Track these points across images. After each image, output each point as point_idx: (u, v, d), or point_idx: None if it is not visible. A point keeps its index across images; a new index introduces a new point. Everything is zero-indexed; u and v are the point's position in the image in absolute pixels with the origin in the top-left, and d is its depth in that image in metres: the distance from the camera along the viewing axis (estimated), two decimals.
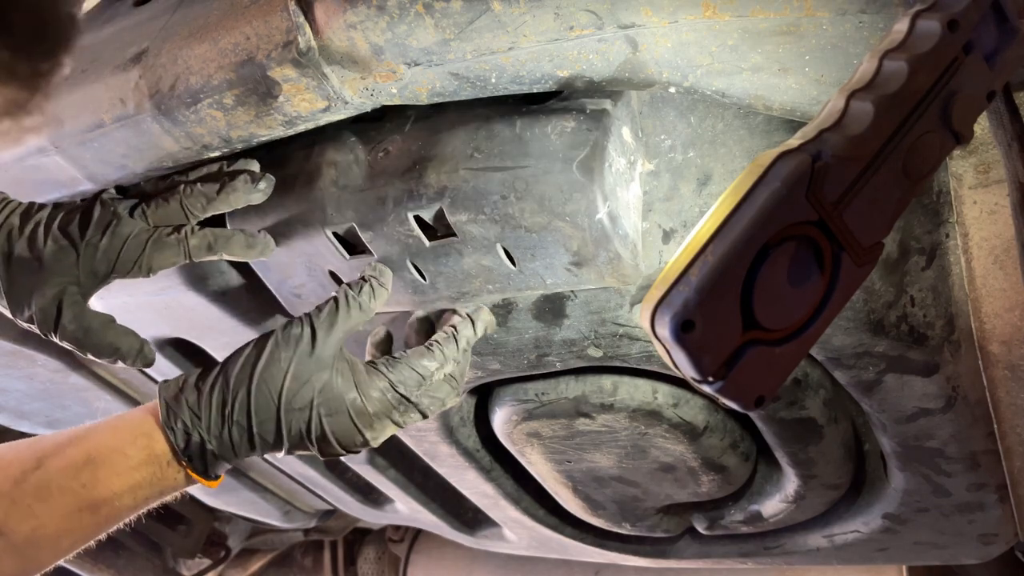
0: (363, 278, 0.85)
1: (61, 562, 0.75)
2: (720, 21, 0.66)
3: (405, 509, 1.72)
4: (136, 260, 0.88)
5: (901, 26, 0.55)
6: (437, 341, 0.86)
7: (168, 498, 0.82)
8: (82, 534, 0.75)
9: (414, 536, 2.39)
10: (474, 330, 0.89)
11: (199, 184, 0.89)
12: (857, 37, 0.64)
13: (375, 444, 0.84)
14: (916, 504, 1.12)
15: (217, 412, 0.78)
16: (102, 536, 0.78)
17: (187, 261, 0.91)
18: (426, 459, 1.36)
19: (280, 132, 0.85)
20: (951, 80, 0.54)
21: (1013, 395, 0.91)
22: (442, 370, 0.85)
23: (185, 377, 0.82)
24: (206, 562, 2.42)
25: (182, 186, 0.89)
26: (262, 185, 0.89)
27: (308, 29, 0.76)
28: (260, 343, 0.82)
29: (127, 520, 0.79)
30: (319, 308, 0.83)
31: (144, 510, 0.80)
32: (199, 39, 0.82)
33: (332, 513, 2.10)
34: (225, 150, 0.89)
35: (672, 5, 0.66)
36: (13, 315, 0.87)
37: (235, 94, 0.81)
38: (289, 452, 0.83)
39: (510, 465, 1.37)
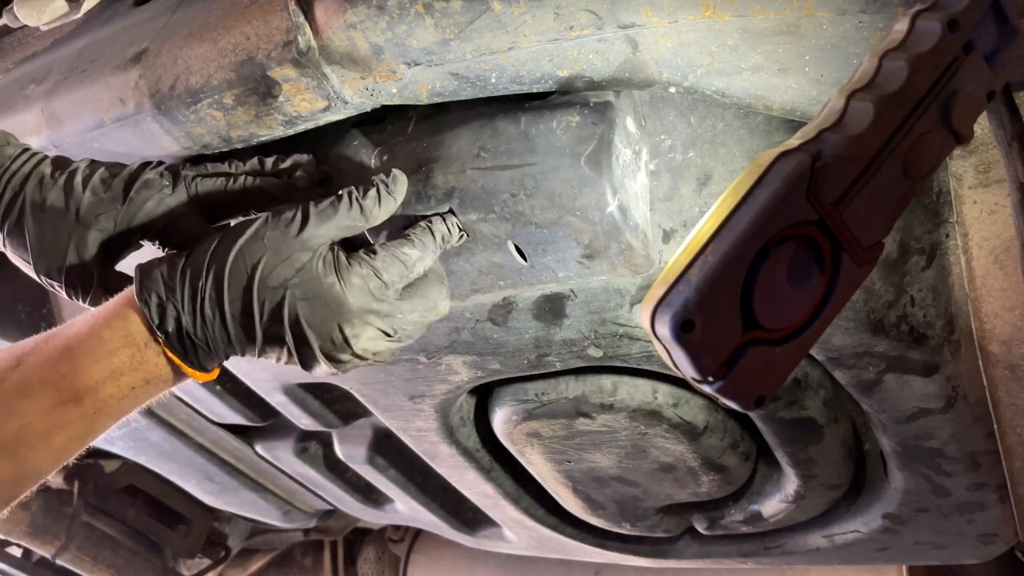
0: (373, 182, 0.80)
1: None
2: (720, 21, 0.66)
3: (405, 509, 1.72)
4: (181, 240, 0.83)
5: (901, 26, 0.55)
6: (414, 231, 0.81)
7: (158, 392, 0.77)
8: (73, 430, 0.71)
9: (414, 536, 2.39)
10: (447, 228, 0.83)
11: (258, 180, 0.85)
12: (857, 37, 0.64)
13: (356, 346, 0.77)
14: (916, 504, 1.12)
15: (190, 283, 0.73)
16: (99, 439, 0.74)
17: None
18: (426, 459, 1.36)
19: (280, 132, 0.85)
20: (951, 80, 0.54)
21: (1013, 395, 0.91)
22: (423, 261, 0.80)
23: (162, 256, 0.77)
24: (206, 562, 2.42)
25: (243, 178, 0.85)
26: (319, 179, 0.87)
27: (308, 29, 0.77)
28: (247, 222, 0.76)
29: (122, 418, 0.75)
30: (317, 201, 0.77)
31: (136, 406, 0.76)
32: (199, 39, 0.82)
33: (332, 513, 2.10)
34: (225, 150, 0.89)
35: (672, 5, 0.66)
36: (37, 271, 0.81)
37: (235, 94, 0.81)
38: (265, 347, 0.76)
39: (510, 465, 1.37)
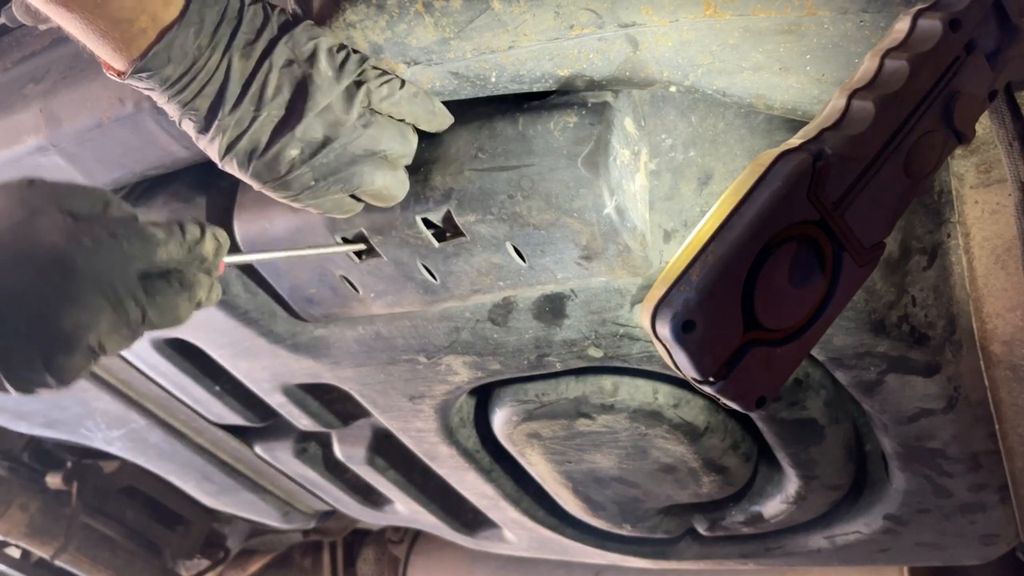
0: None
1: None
2: (721, 20, 0.66)
3: (405, 510, 1.72)
4: None
5: (902, 25, 0.55)
6: (162, 222, 0.70)
7: None
8: None
9: (414, 537, 2.38)
10: (201, 234, 0.71)
11: None
12: (858, 36, 0.64)
13: (82, 336, 0.60)
14: (917, 505, 1.12)
15: None
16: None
17: None
18: (426, 460, 1.36)
19: None
20: (953, 79, 0.54)
21: (1015, 395, 0.91)
22: (166, 247, 0.67)
23: None
24: (205, 563, 2.42)
25: None
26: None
27: None
28: None
29: None
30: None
31: None
32: None
33: (331, 514, 2.09)
34: None
35: (673, 4, 0.66)
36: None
37: None
38: None
39: (510, 466, 1.36)
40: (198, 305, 0.72)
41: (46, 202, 0.63)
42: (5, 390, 0.60)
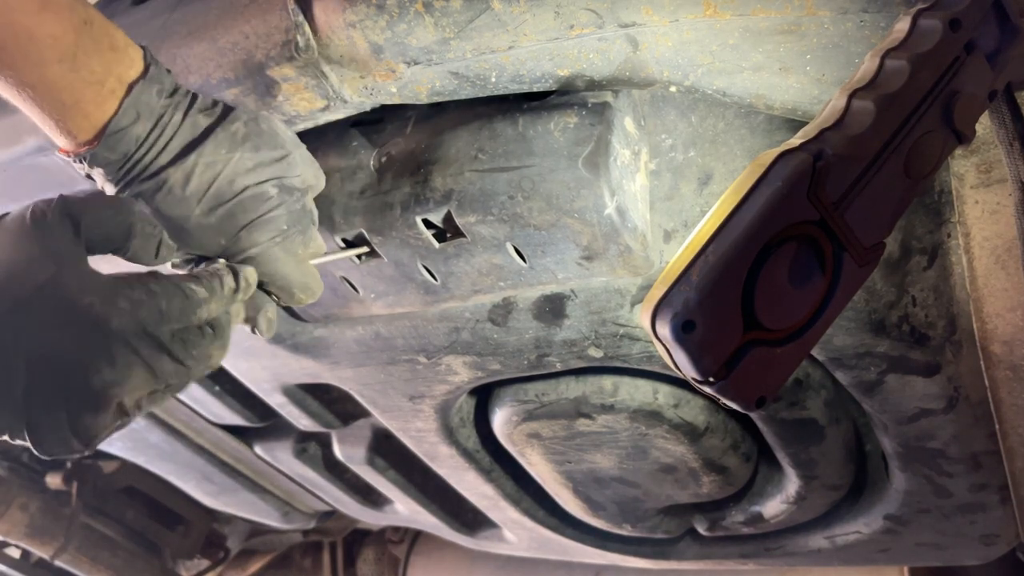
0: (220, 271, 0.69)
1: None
2: (721, 20, 0.66)
3: (405, 510, 1.72)
4: None
5: (903, 25, 0.55)
6: (202, 272, 0.68)
7: None
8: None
9: (414, 537, 2.38)
10: (236, 282, 0.70)
11: None
12: (858, 36, 0.64)
13: (112, 395, 0.58)
14: (917, 505, 1.12)
15: None
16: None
17: None
18: (426, 460, 1.36)
19: None
20: (953, 79, 0.54)
21: (1015, 396, 0.91)
22: (208, 306, 0.66)
23: None
24: (205, 563, 2.42)
25: None
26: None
27: (307, 28, 0.76)
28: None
29: None
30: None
31: None
32: (198, 38, 0.82)
33: (331, 514, 2.09)
34: None
35: (673, 4, 0.66)
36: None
37: (234, 93, 0.81)
38: None
39: (510, 466, 1.36)
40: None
41: (70, 245, 0.60)
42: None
